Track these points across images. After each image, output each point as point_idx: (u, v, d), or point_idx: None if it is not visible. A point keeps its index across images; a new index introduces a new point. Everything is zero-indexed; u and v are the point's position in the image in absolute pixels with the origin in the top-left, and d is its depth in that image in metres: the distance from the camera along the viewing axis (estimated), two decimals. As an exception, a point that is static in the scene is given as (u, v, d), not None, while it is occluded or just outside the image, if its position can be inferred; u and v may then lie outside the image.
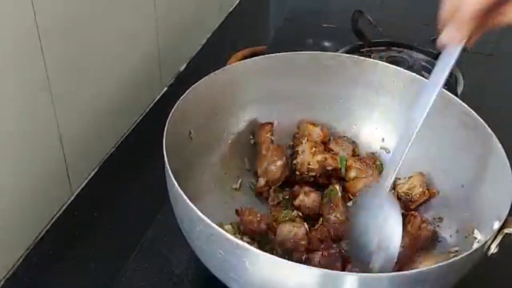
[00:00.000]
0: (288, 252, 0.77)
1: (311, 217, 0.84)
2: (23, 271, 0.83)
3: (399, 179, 0.89)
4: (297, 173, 0.88)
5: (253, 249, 0.63)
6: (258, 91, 0.91)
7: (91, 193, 0.95)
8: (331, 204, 0.83)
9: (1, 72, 0.74)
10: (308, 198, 0.84)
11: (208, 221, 0.65)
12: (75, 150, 0.92)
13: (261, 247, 0.77)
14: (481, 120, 0.80)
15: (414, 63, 1.11)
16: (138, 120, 1.09)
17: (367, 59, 0.93)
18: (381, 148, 0.93)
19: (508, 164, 0.74)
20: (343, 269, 0.74)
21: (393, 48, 1.18)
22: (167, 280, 0.80)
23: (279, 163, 0.87)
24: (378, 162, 0.91)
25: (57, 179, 0.90)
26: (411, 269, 0.69)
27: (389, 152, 0.92)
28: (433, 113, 0.85)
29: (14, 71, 0.76)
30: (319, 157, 0.87)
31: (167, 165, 0.71)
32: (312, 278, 0.63)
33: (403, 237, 0.72)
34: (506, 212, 0.69)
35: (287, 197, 0.88)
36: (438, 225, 0.83)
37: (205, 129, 0.86)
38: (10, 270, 0.83)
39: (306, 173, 0.87)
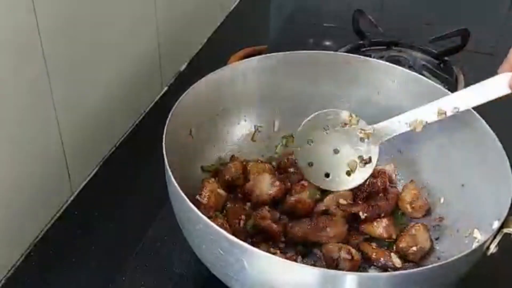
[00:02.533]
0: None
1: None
2: (24, 270, 0.83)
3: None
4: None
5: (252, 248, 0.63)
6: (258, 90, 0.91)
7: (91, 192, 0.95)
8: None
9: (1, 72, 0.74)
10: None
11: (208, 220, 0.65)
12: (76, 150, 0.92)
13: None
14: (482, 120, 0.80)
15: (415, 62, 1.10)
16: (139, 120, 1.10)
17: (368, 58, 0.93)
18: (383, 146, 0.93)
19: (508, 164, 0.74)
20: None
21: (393, 47, 1.17)
22: (168, 279, 0.80)
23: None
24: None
25: (57, 178, 0.90)
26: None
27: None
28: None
29: (14, 71, 0.76)
30: None
31: (166, 164, 0.71)
32: (311, 277, 0.63)
33: None
34: (506, 212, 0.69)
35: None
36: (438, 225, 0.83)
37: (206, 128, 0.86)
38: (11, 269, 0.83)
39: None
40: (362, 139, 0.85)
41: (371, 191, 0.85)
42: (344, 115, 0.85)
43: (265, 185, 0.83)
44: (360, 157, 0.85)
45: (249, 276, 0.65)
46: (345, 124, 0.86)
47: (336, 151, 0.86)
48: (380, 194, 0.85)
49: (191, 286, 0.80)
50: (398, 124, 0.83)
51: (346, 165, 0.85)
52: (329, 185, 0.85)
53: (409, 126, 0.82)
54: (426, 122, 0.81)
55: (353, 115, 0.85)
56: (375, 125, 0.85)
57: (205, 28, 1.33)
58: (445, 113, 0.80)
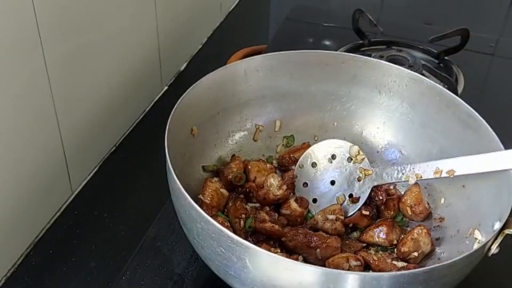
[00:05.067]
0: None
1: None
2: (24, 270, 0.83)
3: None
4: None
5: (255, 247, 0.63)
6: (259, 89, 0.91)
7: (91, 192, 0.95)
8: None
9: (1, 71, 0.74)
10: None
11: (209, 218, 0.65)
12: (76, 149, 0.92)
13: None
14: (483, 120, 0.79)
15: (415, 62, 1.10)
16: (138, 120, 1.10)
17: (368, 58, 0.93)
18: (383, 147, 0.93)
19: (509, 164, 0.74)
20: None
21: (393, 47, 1.17)
22: (168, 279, 0.80)
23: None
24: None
25: (57, 178, 0.90)
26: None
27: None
28: (434, 113, 0.87)
29: (14, 71, 0.76)
30: None
31: (168, 163, 0.70)
32: (313, 277, 0.63)
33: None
34: (507, 213, 0.69)
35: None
36: (439, 225, 0.83)
37: (207, 128, 0.86)
38: (10, 269, 0.83)
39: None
40: (359, 178, 0.85)
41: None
42: (353, 149, 0.86)
43: (273, 186, 0.83)
44: (351, 195, 0.85)
45: (251, 275, 0.65)
46: (351, 159, 0.86)
47: (332, 183, 0.87)
48: (382, 207, 0.86)
49: (191, 286, 0.80)
50: (395, 173, 0.84)
51: (335, 199, 0.86)
52: (313, 209, 0.86)
53: (404, 178, 0.83)
54: (421, 177, 0.82)
55: (361, 152, 0.86)
56: (376, 169, 0.85)
57: (205, 28, 1.33)
58: (440, 172, 0.80)
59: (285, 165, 0.90)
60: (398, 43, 1.19)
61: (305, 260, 0.77)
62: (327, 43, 1.26)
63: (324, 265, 0.76)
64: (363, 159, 0.86)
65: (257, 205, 0.84)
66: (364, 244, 0.82)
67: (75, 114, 0.91)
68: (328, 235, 0.79)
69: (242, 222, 0.80)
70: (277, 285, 0.65)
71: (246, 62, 0.90)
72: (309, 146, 0.89)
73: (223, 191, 0.82)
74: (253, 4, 1.48)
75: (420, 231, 0.79)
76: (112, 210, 0.92)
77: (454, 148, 0.84)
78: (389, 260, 0.77)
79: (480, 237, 0.74)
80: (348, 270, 0.73)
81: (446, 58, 1.16)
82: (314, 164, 0.87)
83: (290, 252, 0.78)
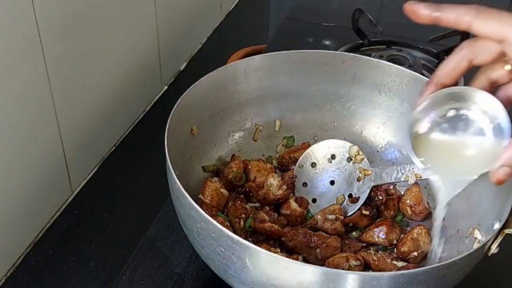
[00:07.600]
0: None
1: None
2: (23, 269, 0.83)
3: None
4: None
5: (255, 247, 0.63)
6: (259, 89, 0.91)
7: (91, 192, 0.95)
8: None
9: (1, 71, 0.74)
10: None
11: (209, 218, 0.65)
12: (76, 149, 0.92)
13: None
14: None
15: (414, 61, 1.10)
16: (138, 119, 1.10)
17: (368, 57, 0.93)
18: (383, 147, 0.93)
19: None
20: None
21: (393, 47, 1.17)
22: (168, 278, 0.80)
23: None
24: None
25: (57, 178, 0.90)
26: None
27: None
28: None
29: (14, 71, 0.76)
30: None
31: (168, 162, 0.70)
32: (312, 276, 0.63)
33: None
34: (507, 213, 0.69)
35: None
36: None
37: (207, 127, 0.86)
38: (10, 269, 0.83)
39: None
40: (358, 178, 0.86)
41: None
42: (353, 149, 0.87)
43: (273, 186, 0.83)
44: (350, 195, 0.86)
45: (251, 274, 0.65)
46: (350, 159, 0.86)
47: (332, 183, 0.87)
48: (382, 207, 0.86)
49: (191, 286, 0.80)
50: (395, 173, 0.84)
51: (334, 199, 0.86)
52: (313, 209, 0.86)
53: (404, 178, 0.84)
54: (421, 177, 0.83)
55: (360, 152, 0.86)
56: (376, 169, 0.85)
57: (205, 27, 1.33)
58: None
59: (285, 165, 0.90)
60: (398, 43, 1.18)
61: (305, 260, 0.77)
62: (327, 43, 1.26)
63: (324, 265, 0.76)
64: (362, 159, 0.86)
65: (257, 205, 0.84)
66: (364, 244, 0.82)
67: (75, 114, 0.91)
68: (328, 235, 0.79)
69: (242, 222, 0.79)
70: (277, 285, 0.65)
71: (246, 62, 0.89)
72: (309, 146, 0.89)
73: (223, 191, 0.82)
74: (253, 4, 1.48)
75: (419, 231, 0.79)
76: (112, 210, 0.92)
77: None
78: (389, 260, 0.77)
79: (480, 237, 0.74)
80: (348, 270, 0.73)
81: (446, 58, 1.15)
82: (313, 164, 0.87)
83: (290, 252, 0.78)
